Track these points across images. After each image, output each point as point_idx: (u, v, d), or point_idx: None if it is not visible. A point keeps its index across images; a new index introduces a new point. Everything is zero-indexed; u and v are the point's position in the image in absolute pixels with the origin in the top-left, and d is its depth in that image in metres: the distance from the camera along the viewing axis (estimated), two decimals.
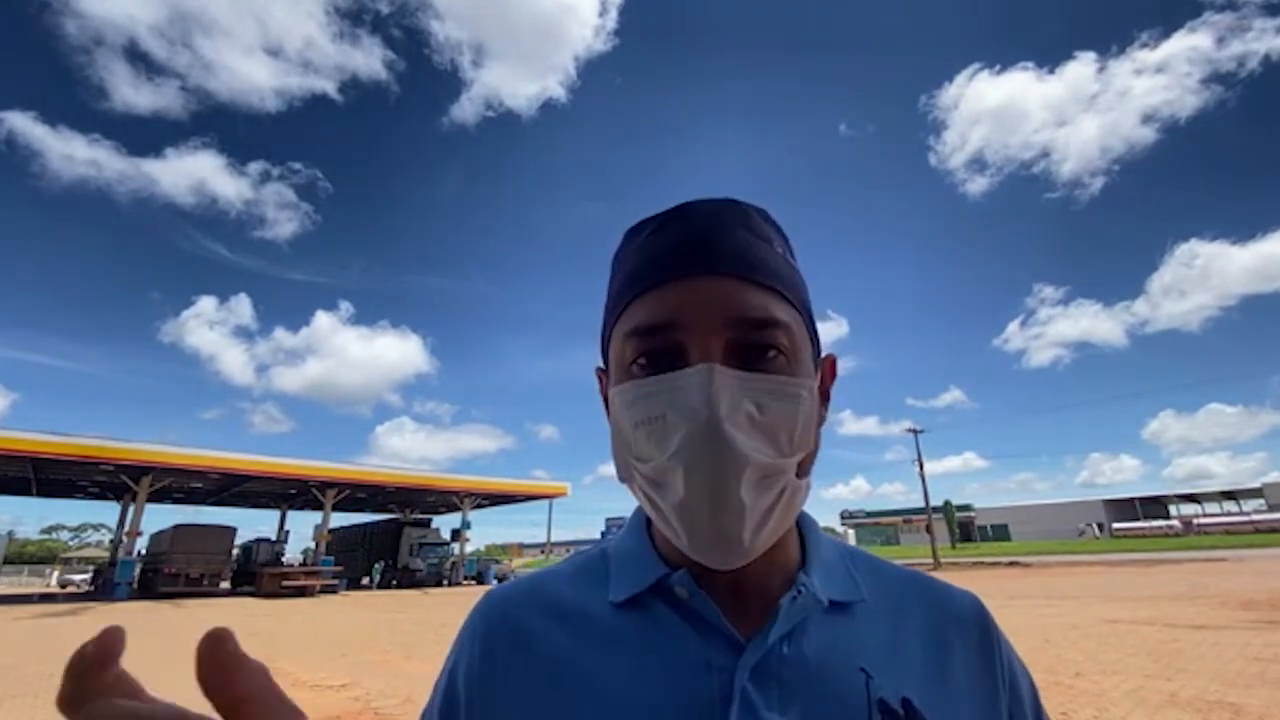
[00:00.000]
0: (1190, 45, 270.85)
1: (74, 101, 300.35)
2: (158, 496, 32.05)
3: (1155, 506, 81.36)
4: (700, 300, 0.46)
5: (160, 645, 10.66)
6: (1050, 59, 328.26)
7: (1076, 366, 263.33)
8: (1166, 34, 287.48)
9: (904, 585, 0.54)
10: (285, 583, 24.99)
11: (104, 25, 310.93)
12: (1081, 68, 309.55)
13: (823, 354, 0.55)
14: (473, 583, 33.13)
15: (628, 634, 0.48)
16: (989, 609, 0.55)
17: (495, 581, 22.32)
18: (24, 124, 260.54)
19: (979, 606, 0.55)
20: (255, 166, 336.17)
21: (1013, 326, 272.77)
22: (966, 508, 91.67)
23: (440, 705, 0.51)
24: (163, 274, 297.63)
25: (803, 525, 0.55)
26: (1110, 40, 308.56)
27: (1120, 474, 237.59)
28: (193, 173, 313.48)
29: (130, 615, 16.98)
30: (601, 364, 0.55)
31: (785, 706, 0.43)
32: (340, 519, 39.30)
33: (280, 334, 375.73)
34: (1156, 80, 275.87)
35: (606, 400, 0.52)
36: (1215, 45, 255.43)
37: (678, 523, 0.45)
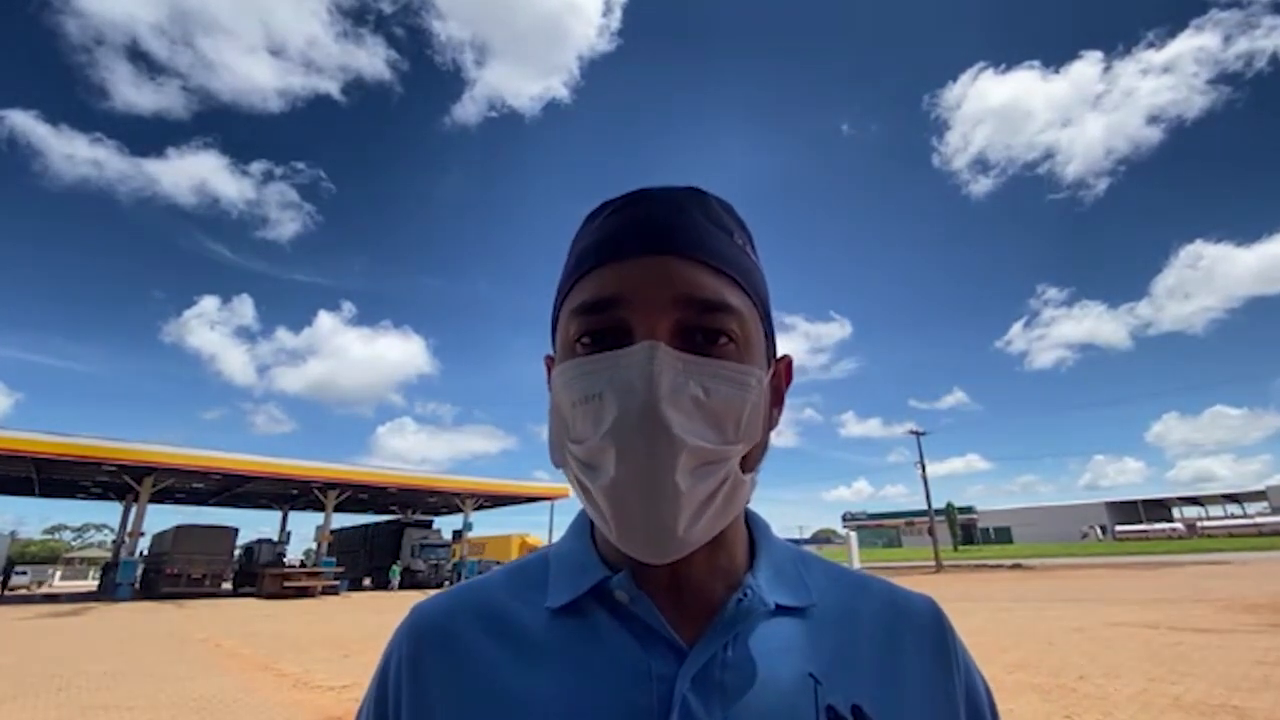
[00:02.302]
0: (1197, 45, 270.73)
1: (75, 101, 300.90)
2: (160, 497, 32.09)
3: (1158, 509, 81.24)
4: (649, 278, 0.44)
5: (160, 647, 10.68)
6: (1055, 58, 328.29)
7: (1080, 368, 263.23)
8: (1173, 33, 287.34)
9: (858, 589, 0.53)
10: (287, 583, 25.02)
11: (104, 24, 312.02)
12: (1087, 67, 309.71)
13: (780, 354, 0.54)
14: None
15: (564, 642, 0.46)
16: (945, 612, 0.54)
17: None
18: (25, 123, 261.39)
19: (935, 610, 0.53)
20: (258, 166, 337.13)
21: (1016, 328, 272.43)
22: (969, 510, 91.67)
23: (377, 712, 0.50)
24: (165, 275, 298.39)
25: (753, 527, 0.54)
26: (1116, 39, 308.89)
27: (1123, 476, 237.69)
28: (195, 173, 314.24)
29: (132, 615, 17.01)
30: (552, 350, 0.53)
31: (728, 715, 0.41)
32: (341, 520, 39.35)
33: (282, 334, 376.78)
34: (1163, 80, 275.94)
35: (551, 389, 0.51)
36: (1222, 44, 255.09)
37: (607, 508, 0.43)
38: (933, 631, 0.51)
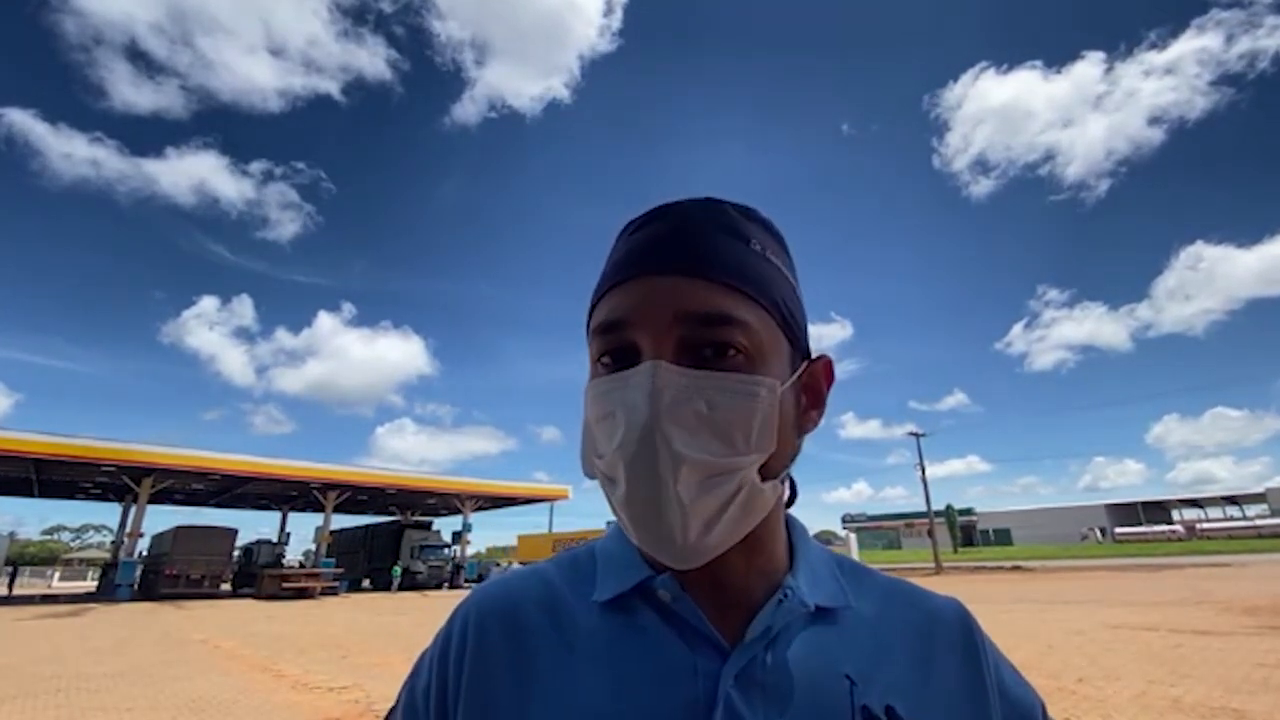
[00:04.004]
0: (1200, 46, 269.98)
1: (73, 100, 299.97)
2: (159, 498, 32.09)
3: (1158, 511, 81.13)
4: (652, 299, 0.46)
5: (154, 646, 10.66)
6: (1057, 58, 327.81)
7: (1080, 370, 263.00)
8: (1175, 33, 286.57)
9: (889, 593, 0.54)
10: (286, 584, 25.00)
11: (103, 23, 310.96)
12: (1089, 68, 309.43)
13: (814, 355, 0.55)
14: (474, 585, 33.13)
15: (611, 636, 0.47)
16: (973, 614, 0.55)
17: None
18: (24, 121, 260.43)
19: (962, 612, 0.54)
20: (257, 166, 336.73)
21: (1016, 329, 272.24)
22: (968, 511, 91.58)
23: (432, 691, 0.50)
24: (164, 275, 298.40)
25: (791, 530, 0.55)
26: (1118, 39, 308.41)
27: (1123, 478, 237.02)
28: (194, 173, 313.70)
29: (131, 616, 16.99)
30: None
31: (768, 712, 0.43)
32: (341, 521, 39.33)
33: (282, 335, 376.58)
34: (1165, 81, 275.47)
35: None
36: (1224, 45, 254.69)
37: (624, 518, 0.46)
38: (962, 632, 0.52)
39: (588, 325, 0.53)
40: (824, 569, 0.54)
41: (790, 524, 0.56)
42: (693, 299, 0.46)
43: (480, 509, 38.18)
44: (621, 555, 0.52)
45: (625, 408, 0.45)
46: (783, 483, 0.50)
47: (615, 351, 0.48)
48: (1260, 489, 74.08)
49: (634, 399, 0.44)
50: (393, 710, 0.54)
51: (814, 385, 0.53)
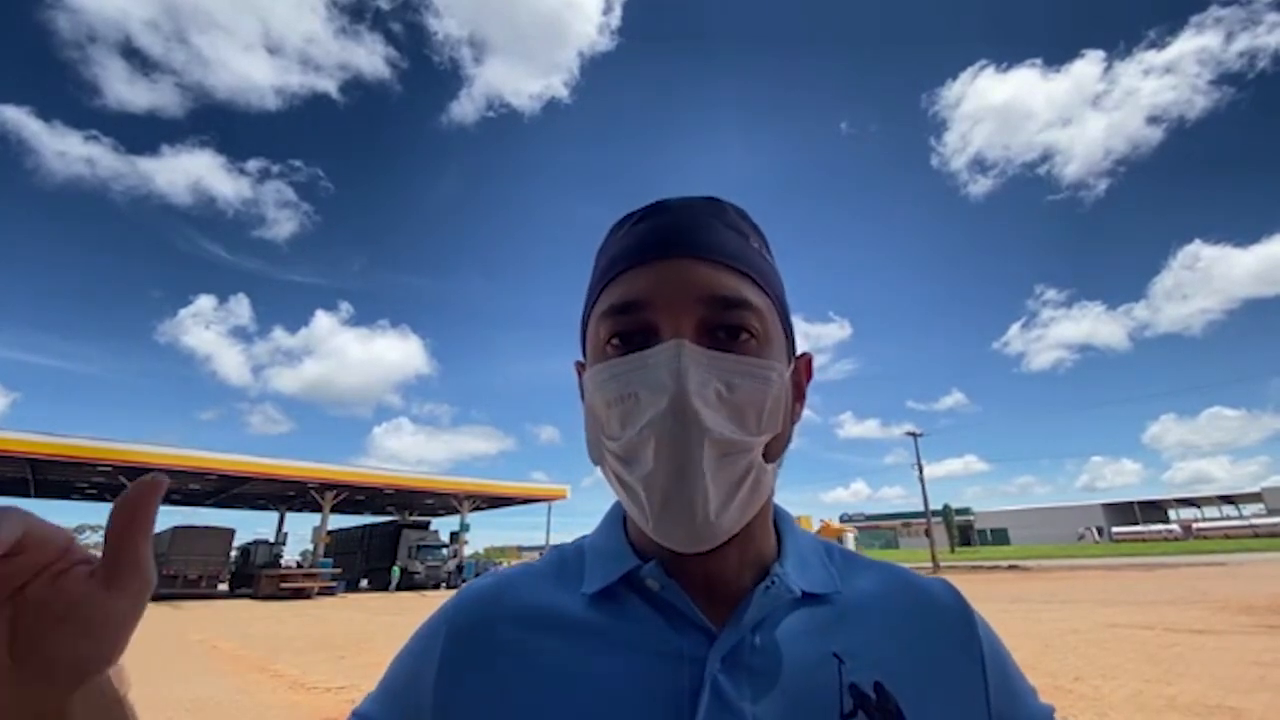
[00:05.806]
0: (1199, 45, 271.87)
1: (68, 98, 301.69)
2: None
3: (1154, 511, 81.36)
4: (673, 280, 0.48)
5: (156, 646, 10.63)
6: (1057, 57, 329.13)
7: (1078, 369, 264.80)
8: (1174, 31, 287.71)
9: (879, 576, 0.55)
10: (284, 585, 25.03)
11: (97, 20, 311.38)
12: (1088, 66, 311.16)
13: (799, 352, 0.57)
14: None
15: (599, 626, 0.48)
16: (964, 593, 0.56)
17: None
18: (18, 119, 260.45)
19: (953, 591, 0.55)
20: (254, 165, 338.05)
21: (1014, 329, 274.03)
22: (966, 511, 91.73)
23: (400, 706, 0.50)
24: (160, 274, 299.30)
25: (778, 519, 0.56)
26: (1118, 38, 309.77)
27: (1121, 478, 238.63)
28: (190, 171, 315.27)
29: None
30: (581, 356, 0.56)
31: (756, 694, 0.44)
32: (338, 521, 39.30)
33: (279, 334, 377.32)
34: (1164, 80, 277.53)
35: (584, 393, 0.54)
36: (1224, 43, 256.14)
37: (645, 498, 0.45)
38: (954, 612, 0.53)
39: (587, 313, 0.53)
40: (813, 556, 0.54)
41: (777, 513, 0.57)
42: (713, 282, 0.48)
43: (478, 509, 38.18)
44: (609, 547, 0.53)
45: (650, 387, 0.45)
46: (780, 466, 0.52)
47: (629, 333, 0.48)
48: (1256, 489, 74.37)
49: (660, 378, 0.45)
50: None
51: (798, 380, 0.56)
